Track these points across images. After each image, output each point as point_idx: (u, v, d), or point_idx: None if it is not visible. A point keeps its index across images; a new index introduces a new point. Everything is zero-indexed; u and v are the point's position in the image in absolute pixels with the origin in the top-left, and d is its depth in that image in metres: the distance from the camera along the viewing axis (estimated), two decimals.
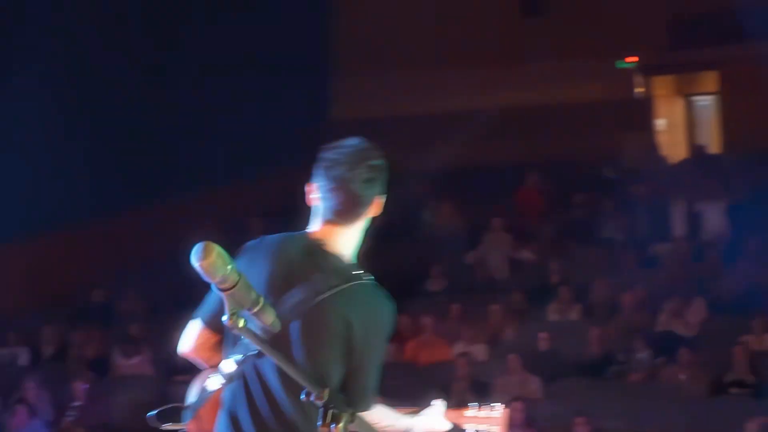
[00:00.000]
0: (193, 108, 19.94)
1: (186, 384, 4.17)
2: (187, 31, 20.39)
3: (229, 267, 3.28)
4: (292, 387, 3.70)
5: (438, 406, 4.37)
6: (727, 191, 18.33)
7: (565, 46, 23.46)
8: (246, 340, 3.65)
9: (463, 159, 21.35)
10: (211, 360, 4.02)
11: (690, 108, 26.05)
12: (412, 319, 15.35)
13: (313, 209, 3.96)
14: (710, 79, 25.05)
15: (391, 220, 17.58)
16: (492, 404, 4.53)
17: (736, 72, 23.54)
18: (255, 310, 3.42)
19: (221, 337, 3.96)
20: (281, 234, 4.02)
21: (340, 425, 3.52)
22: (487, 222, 18.43)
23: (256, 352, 3.72)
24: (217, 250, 3.26)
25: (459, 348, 15.04)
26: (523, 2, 24.14)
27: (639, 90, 24.69)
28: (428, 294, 17.45)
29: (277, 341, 3.66)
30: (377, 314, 3.85)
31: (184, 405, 4.00)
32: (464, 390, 13.49)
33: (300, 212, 4.22)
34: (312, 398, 3.54)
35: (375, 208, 3.94)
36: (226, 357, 3.86)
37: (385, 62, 23.66)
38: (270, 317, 3.48)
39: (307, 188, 3.95)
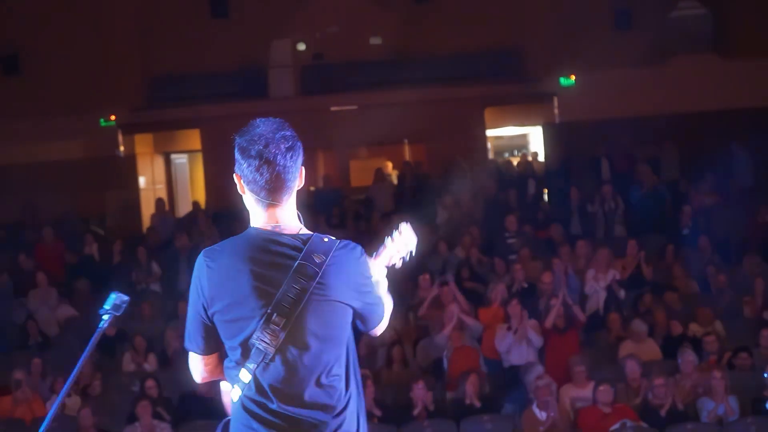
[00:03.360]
0: None
1: None
2: None
3: None
4: (314, 370, 4.08)
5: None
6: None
7: (44, 104, 23.45)
8: (260, 348, 3.97)
9: None
10: (220, 373, 4.25)
11: (170, 165, 27.10)
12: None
13: (246, 200, 4.12)
14: (190, 137, 26.26)
15: None
16: (397, 229, 4.71)
17: (217, 130, 24.97)
18: None
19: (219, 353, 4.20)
20: (237, 238, 4.10)
21: None
22: (32, 278, 18.23)
23: (271, 356, 3.99)
24: None
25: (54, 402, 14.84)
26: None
27: (121, 148, 25.33)
28: None
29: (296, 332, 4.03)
30: (358, 262, 4.16)
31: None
32: None
33: None
34: None
35: (301, 178, 4.10)
36: (242, 367, 4.05)
37: None
38: None
39: (235, 178, 4.10)
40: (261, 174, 3.96)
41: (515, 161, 26.29)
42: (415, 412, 13.63)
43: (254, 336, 3.94)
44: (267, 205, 4.02)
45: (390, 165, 25.52)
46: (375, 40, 26.49)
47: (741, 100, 22.86)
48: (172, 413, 14.41)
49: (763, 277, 15.80)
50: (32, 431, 14.33)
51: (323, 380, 4.06)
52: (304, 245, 4.02)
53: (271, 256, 3.99)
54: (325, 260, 3.99)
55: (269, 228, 4.03)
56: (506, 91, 25.19)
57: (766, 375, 12.73)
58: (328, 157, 26.73)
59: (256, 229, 4.05)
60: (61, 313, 18.04)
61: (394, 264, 4.67)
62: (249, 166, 3.97)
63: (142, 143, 26.18)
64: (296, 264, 3.96)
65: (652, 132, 22.99)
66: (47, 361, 15.99)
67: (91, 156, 24.07)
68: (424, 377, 14.47)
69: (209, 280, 3.99)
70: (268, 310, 3.92)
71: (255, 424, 4.07)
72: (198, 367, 4.21)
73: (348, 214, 22.17)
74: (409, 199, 22.58)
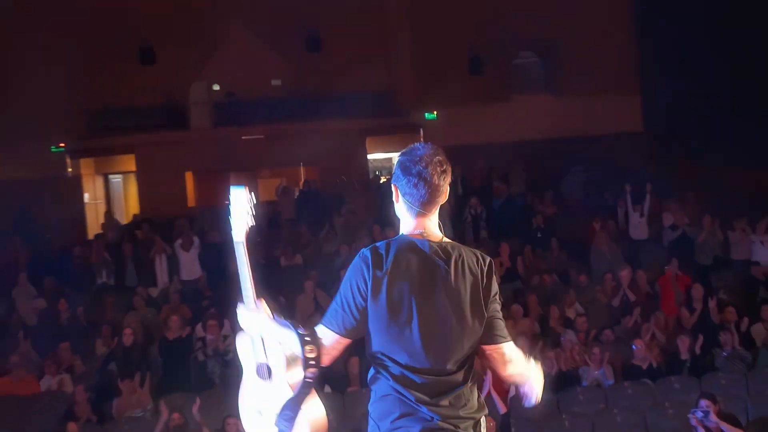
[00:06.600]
0: None
1: None
2: None
3: None
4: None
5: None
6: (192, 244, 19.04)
7: (5, 133, 22.60)
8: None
9: None
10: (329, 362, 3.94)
11: (108, 184, 26.47)
12: None
13: (398, 208, 3.93)
14: (124, 161, 25.70)
15: None
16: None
17: (149, 155, 24.58)
18: None
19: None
20: (393, 242, 3.87)
21: None
22: (12, 278, 17.63)
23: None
24: None
25: (47, 381, 14.42)
26: None
27: (69, 170, 24.68)
28: None
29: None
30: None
31: None
32: (87, 411, 13.23)
33: None
34: None
35: (446, 194, 3.91)
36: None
37: None
38: None
39: (392, 188, 3.92)
40: (418, 190, 3.81)
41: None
42: None
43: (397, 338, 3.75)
44: (417, 213, 3.86)
45: (301, 181, 25.40)
46: (276, 82, 26.37)
47: (571, 131, 23.41)
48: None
49: (613, 273, 16.20)
50: (29, 405, 13.90)
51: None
52: (445, 253, 3.84)
53: (423, 262, 3.80)
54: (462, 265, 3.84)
55: (418, 234, 3.87)
56: (382, 123, 25.32)
57: (634, 347, 13.13)
58: (239, 176, 26.48)
59: (408, 236, 3.88)
60: (37, 305, 17.51)
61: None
62: (408, 182, 3.82)
63: (86, 166, 25.60)
64: (441, 270, 3.80)
65: (500, 155, 23.34)
66: (32, 345, 15.57)
67: (44, 176, 23.39)
68: None
69: (373, 279, 3.75)
70: (414, 323, 3.74)
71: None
72: (328, 345, 3.85)
73: (261, 222, 22.02)
74: (308, 210, 22.54)
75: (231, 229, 3.98)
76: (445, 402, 3.80)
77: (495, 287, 3.91)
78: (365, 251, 3.83)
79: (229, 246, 4.05)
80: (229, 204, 3.98)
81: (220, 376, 14.24)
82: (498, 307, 3.93)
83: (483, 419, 3.94)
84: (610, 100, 23.89)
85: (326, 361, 3.86)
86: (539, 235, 19.11)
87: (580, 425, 11.82)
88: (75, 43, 23.92)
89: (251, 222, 4.02)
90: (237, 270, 3.97)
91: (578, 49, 24.24)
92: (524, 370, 4.05)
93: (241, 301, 3.99)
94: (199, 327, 15.24)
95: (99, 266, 18.92)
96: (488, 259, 3.95)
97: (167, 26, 24.22)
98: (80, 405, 13.29)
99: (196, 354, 14.57)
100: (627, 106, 24.37)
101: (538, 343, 13.94)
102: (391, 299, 3.75)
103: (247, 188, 4.01)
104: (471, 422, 3.86)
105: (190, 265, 18.70)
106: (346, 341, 3.86)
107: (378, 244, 3.88)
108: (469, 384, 3.89)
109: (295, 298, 16.44)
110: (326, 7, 24.57)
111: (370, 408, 3.89)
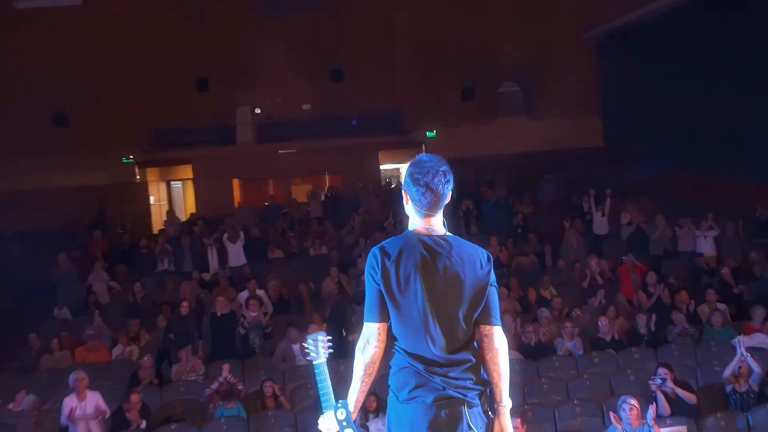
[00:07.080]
0: None
1: None
2: None
3: None
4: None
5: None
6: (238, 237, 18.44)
7: (86, 147, 22.22)
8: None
9: None
10: (383, 348, 3.56)
11: (169, 189, 25.97)
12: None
13: (408, 209, 3.56)
14: (183, 169, 25.22)
15: None
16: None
17: (203, 165, 24.07)
18: None
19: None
20: (399, 238, 3.52)
21: None
22: (92, 263, 17.09)
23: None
24: None
25: (117, 350, 13.85)
26: (53, 117, 22.12)
27: (137, 177, 24.18)
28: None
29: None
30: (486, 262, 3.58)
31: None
32: (151, 376, 12.63)
33: None
34: None
35: (449, 197, 3.56)
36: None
37: None
38: None
39: (402, 193, 3.58)
40: (425, 197, 3.45)
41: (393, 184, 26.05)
42: None
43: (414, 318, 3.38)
44: (424, 215, 3.49)
45: (327, 187, 24.96)
46: (306, 106, 25.96)
47: (545, 145, 22.91)
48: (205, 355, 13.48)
49: (581, 262, 15.57)
50: (102, 370, 13.32)
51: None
52: (447, 243, 3.46)
53: (426, 251, 3.42)
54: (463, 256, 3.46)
55: (424, 230, 3.49)
56: (392, 140, 24.92)
57: (600, 323, 12.49)
58: (276, 183, 26.06)
59: (414, 231, 3.51)
60: (113, 287, 16.97)
61: None
62: (417, 190, 3.45)
63: (151, 174, 25.23)
64: (443, 257, 3.41)
65: (487, 166, 22.90)
66: (104, 321, 15.03)
67: (117, 182, 22.95)
68: None
69: (382, 269, 3.40)
70: (420, 300, 3.37)
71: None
72: (374, 335, 3.47)
73: (294, 220, 21.55)
74: (332, 210, 22.06)
75: (312, 359, 3.62)
76: (454, 374, 3.41)
77: (493, 276, 3.53)
78: (374, 249, 3.48)
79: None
80: (308, 347, 3.62)
81: (260, 347, 13.67)
82: (495, 292, 3.56)
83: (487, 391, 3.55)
84: (576, 121, 23.42)
85: (381, 346, 3.49)
86: (519, 231, 18.54)
87: (556, 388, 11.22)
88: (143, 74, 23.44)
89: (329, 350, 3.66)
90: (317, 387, 3.58)
91: (551, 81, 23.74)
92: (503, 364, 3.51)
93: (322, 412, 3.55)
94: (242, 305, 14.65)
95: (162, 255, 18.36)
96: (487, 252, 3.59)
97: (219, 61, 23.74)
98: (144, 370, 12.69)
99: (239, 328, 13.98)
100: (590, 125, 23.89)
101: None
102: (399, 283, 3.39)
103: (323, 333, 3.65)
104: (477, 392, 3.47)
105: (236, 255, 18.14)
106: (385, 324, 3.48)
107: (385, 241, 3.51)
108: (475, 358, 3.48)
109: (321, 281, 15.91)
110: (347, 47, 24.25)
111: (389, 381, 3.51)
